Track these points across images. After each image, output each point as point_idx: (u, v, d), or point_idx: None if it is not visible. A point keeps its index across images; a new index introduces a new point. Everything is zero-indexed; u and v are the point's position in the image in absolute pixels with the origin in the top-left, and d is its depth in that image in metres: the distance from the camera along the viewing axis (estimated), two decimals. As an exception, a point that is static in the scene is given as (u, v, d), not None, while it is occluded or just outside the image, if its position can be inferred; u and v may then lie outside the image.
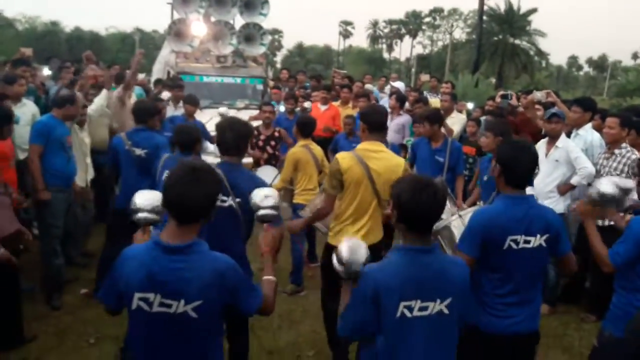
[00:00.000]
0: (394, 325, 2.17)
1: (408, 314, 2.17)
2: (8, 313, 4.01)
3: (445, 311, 2.22)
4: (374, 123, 3.76)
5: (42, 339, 4.21)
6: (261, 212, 2.80)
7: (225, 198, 3.11)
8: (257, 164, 6.45)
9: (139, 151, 4.59)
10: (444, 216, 4.53)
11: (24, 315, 4.19)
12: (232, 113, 8.77)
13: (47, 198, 4.71)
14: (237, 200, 3.11)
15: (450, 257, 2.37)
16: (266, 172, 6.22)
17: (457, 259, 2.43)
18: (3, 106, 4.55)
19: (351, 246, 2.41)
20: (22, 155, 5.12)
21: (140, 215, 2.59)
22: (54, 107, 4.90)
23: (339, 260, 2.39)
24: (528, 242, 2.73)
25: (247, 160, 6.77)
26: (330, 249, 3.78)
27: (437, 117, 5.72)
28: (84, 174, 5.45)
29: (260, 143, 6.51)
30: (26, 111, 5.65)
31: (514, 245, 2.71)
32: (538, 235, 2.74)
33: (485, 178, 4.65)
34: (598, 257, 3.06)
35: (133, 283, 2.03)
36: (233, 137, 3.23)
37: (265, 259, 2.54)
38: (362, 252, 2.40)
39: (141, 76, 11.07)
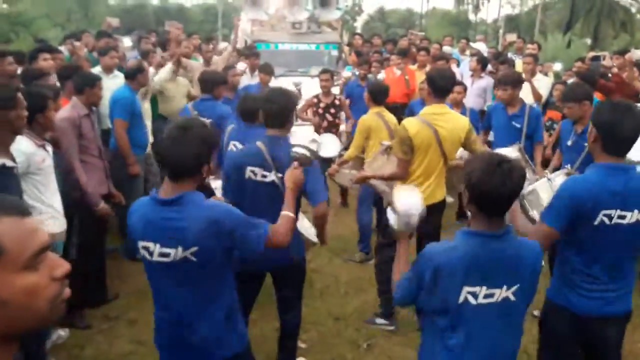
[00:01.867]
0: (457, 310, 2.03)
1: (472, 301, 2.02)
2: (95, 272, 4.27)
3: (512, 298, 2.05)
4: (439, 87, 3.80)
5: (122, 297, 4.46)
6: (295, 149, 2.85)
7: (266, 173, 3.06)
8: (316, 132, 6.40)
9: (204, 120, 4.66)
10: (526, 184, 4.30)
11: (107, 275, 4.46)
12: (306, 81, 8.83)
13: (138, 173, 4.98)
14: (279, 175, 3.04)
15: (521, 242, 2.13)
16: (325, 140, 6.17)
17: (529, 242, 2.19)
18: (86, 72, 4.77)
19: (405, 194, 2.33)
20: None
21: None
22: (128, 79, 5.12)
23: (393, 210, 2.31)
24: (623, 217, 2.44)
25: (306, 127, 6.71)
26: None
27: (519, 81, 5.38)
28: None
29: (320, 111, 6.44)
30: (118, 83, 5.93)
31: (606, 221, 2.44)
32: (636, 211, 2.45)
33: (569, 143, 4.29)
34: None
35: (137, 232, 2.20)
36: (276, 109, 3.15)
37: (287, 196, 2.58)
38: (417, 201, 2.32)
39: (223, 45, 11.28)
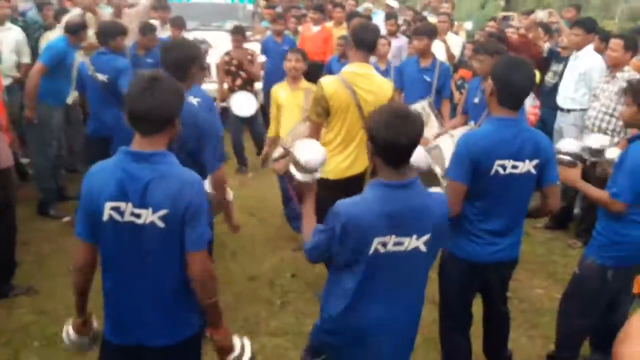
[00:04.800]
0: (367, 261, 2.05)
1: (381, 250, 2.05)
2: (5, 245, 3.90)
3: (422, 248, 2.09)
4: (363, 41, 3.45)
5: (23, 266, 4.20)
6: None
7: None
8: (231, 90, 6.21)
9: (101, 76, 4.40)
10: (431, 137, 4.40)
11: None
12: (220, 35, 8.50)
13: (32, 117, 4.82)
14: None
15: (429, 193, 2.19)
16: (242, 98, 6.02)
17: (436, 194, 2.26)
18: None
19: (305, 144, 2.32)
20: (6, 82, 5.06)
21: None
22: (68, 33, 4.85)
23: (296, 163, 2.29)
24: (516, 167, 2.57)
25: (212, 86, 6.53)
26: (319, 182, 3.69)
27: (434, 32, 5.53)
28: (73, 95, 5.42)
29: (234, 69, 6.21)
30: (9, 36, 5.47)
31: (501, 171, 2.56)
32: (527, 161, 2.58)
33: (475, 100, 4.42)
34: (601, 203, 2.88)
35: (104, 193, 1.95)
36: (175, 58, 2.92)
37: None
38: (318, 149, 2.32)
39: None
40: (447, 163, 3.46)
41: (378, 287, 2.11)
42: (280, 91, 4.80)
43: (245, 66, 6.29)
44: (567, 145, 3.03)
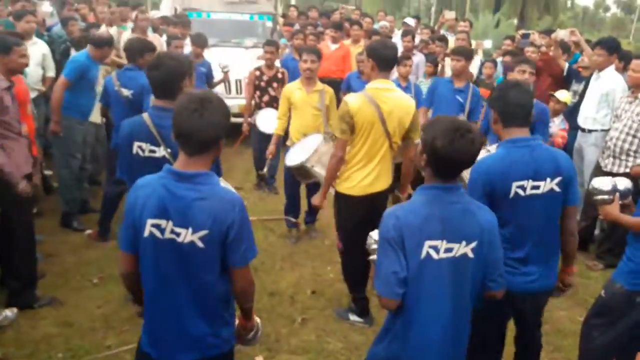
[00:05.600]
0: (419, 266, 2.05)
1: (435, 255, 2.05)
2: (26, 255, 3.91)
3: (470, 255, 2.08)
4: (384, 59, 3.50)
5: (48, 278, 4.23)
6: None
7: (154, 148, 2.90)
8: (257, 106, 6.23)
9: (126, 92, 4.46)
10: None
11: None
12: (239, 52, 8.61)
13: (58, 131, 4.94)
14: (168, 150, 2.89)
15: (475, 202, 2.20)
16: (268, 115, 6.03)
17: (484, 205, 2.25)
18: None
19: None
20: (32, 94, 5.15)
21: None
22: (91, 46, 4.97)
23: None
24: (537, 187, 2.53)
25: (232, 102, 6.57)
26: (340, 196, 3.72)
27: (471, 55, 5.64)
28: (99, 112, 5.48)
29: (263, 84, 6.19)
30: (36, 50, 5.58)
31: (521, 192, 2.53)
32: (548, 179, 2.55)
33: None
34: (637, 228, 2.83)
35: (146, 210, 2.00)
36: (161, 76, 2.88)
37: None
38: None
39: (152, 13, 10.78)
40: None
41: (430, 295, 2.09)
42: (296, 91, 4.95)
43: (284, 78, 6.27)
44: (602, 183, 2.94)
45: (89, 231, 5.03)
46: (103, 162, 5.67)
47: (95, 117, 5.35)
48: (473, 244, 2.08)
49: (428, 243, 2.04)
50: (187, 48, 7.04)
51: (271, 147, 5.12)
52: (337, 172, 3.66)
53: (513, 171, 2.52)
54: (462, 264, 2.09)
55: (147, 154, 2.93)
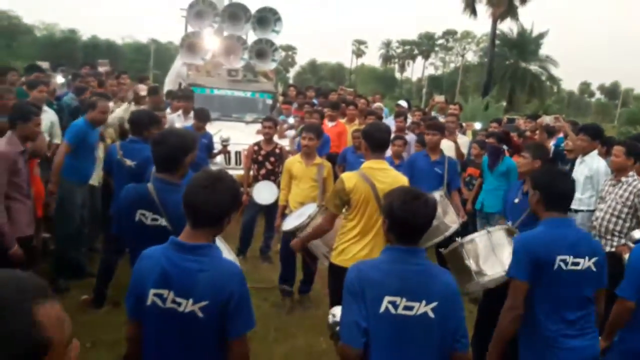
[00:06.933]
0: (379, 320, 2.17)
1: (392, 311, 2.17)
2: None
3: (431, 314, 2.18)
4: (377, 141, 3.74)
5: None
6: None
7: (156, 217, 2.98)
8: (255, 178, 6.44)
9: (129, 162, 4.57)
10: (451, 224, 4.60)
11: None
12: (240, 126, 8.95)
13: (54, 191, 5.07)
14: (169, 222, 2.96)
15: (436, 265, 2.37)
16: (264, 188, 6.23)
17: (443, 269, 2.41)
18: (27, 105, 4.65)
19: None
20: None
21: None
22: (90, 111, 5.24)
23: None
24: (577, 264, 2.69)
25: (237, 172, 6.77)
26: (335, 268, 3.80)
27: (444, 128, 6.11)
28: (97, 176, 5.67)
29: (260, 158, 6.40)
30: (45, 118, 5.79)
31: (563, 266, 2.67)
32: (587, 258, 2.71)
33: (516, 201, 4.56)
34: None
35: (149, 279, 2.09)
36: (165, 151, 2.96)
37: None
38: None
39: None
40: (481, 260, 3.61)
41: (390, 350, 2.18)
42: (296, 163, 5.31)
43: (283, 153, 6.47)
44: None
45: (84, 297, 5.04)
46: (99, 227, 5.76)
47: (93, 179, 5.54)
48: (433, 304, 2.18)
49: (387, 298, 2.16)
50: (190, 121, 7.33)
51: (277, 220, 5.33)
52: (319, 235, 3.92)
53: (556, 245, 2.70)
54: (424, 323, 2.18)
55: (149, 222, 3.00)
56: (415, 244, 2.27)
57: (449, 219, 4.73)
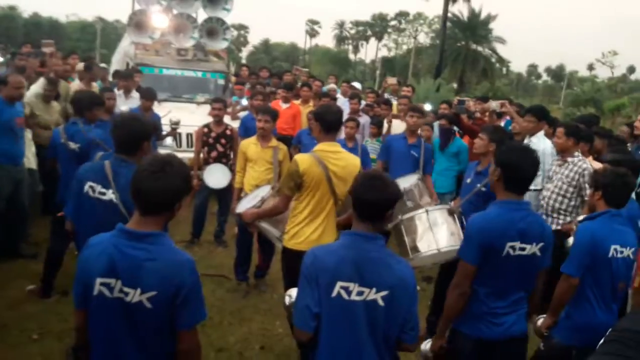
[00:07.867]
0: (330, 304, 2.20)
1: (345, 296, 2.19)
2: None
3: (380, 302, 2.20)
4: (329, 123, 3.71)
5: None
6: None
7: (104, 190, 3.07)
8: (206, 161, 6.31)
9: (73, 145, 4.44)
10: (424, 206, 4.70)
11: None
12: (191, 108, 8.75)
13: None
14: (117, 195, 3.03)
15: (394, 254, 2.37)
16: (215, 171, 6.14)
17: (401, 259, 2.41)
18: None
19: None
20: None
21: None
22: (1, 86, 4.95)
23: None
24: (523, 249, 2.73)
25: (188, 155, 6.66)
26: (288, 252, 3.79)
27: (424, 112, 6.39)
28: (32, 157, 5.42)
29: (210, 140, 6.28)
30: None
31: (511, 252, 2.71)
32: (534, 244, 2.75)
33: (468, 180, 4.64)
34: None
35: (95, 268, 2.03)
36: (125, 135, 3.09)
37: None
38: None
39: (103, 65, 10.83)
40: (417, 237, 3.80)
41: (340, 335, 2.22)
42: (251, 145, 5.26)
43: (233, 135, 6.40)
44: None
45: (31, 287, 4.85)
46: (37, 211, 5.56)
47: (30, 162, 5.33)
48: (384, 293, 2.21)
49: (340, 283, 2.19)
50: (136, 101, 7.11)
51: (233, 203, 5.17)
52: (274, 214, 3.87)
53: (507, 231, 2.70)
54: (372, 310, 2.21)
55: (96, 194, 3.08)
56: (374, 224, 2.30)
57: (424, 201, 4.82)
